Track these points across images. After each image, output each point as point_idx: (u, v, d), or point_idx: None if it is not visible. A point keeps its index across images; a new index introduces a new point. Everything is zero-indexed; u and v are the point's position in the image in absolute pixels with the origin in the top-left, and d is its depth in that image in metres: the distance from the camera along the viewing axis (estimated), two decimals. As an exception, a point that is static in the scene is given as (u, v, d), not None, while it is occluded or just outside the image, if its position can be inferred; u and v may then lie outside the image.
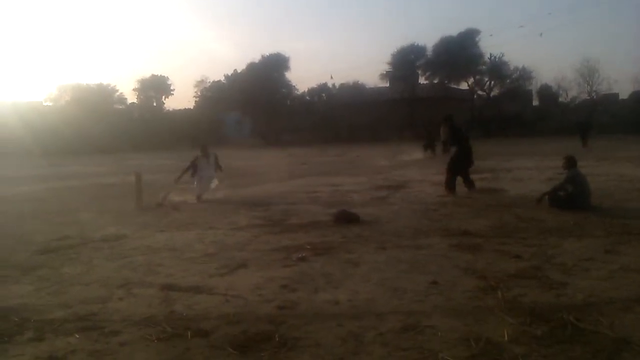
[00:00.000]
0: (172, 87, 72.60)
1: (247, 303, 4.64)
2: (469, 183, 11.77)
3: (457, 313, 4.22)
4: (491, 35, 77.02)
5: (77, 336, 3.99)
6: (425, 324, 3.99)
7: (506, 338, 3.66)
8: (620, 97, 58.88)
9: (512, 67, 57.50)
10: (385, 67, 59.90)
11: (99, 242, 7.69)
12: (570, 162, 9.20)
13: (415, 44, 58.59)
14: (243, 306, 4.56)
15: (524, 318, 4.00)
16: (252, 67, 64.06)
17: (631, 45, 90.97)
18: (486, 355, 3.42)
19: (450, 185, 11.68)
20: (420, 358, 3.42)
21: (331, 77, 65.11)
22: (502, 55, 56.87)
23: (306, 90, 67.54)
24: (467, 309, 4.31)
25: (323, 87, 66.92)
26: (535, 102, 62.81)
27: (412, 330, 3.87)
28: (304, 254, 6.30)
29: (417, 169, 18.54)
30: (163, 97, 72.44)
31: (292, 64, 65.29)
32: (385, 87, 60.33)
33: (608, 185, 11.85)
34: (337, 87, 66.84)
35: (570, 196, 8.83)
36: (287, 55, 64.32)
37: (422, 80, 58.91)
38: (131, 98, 72.18)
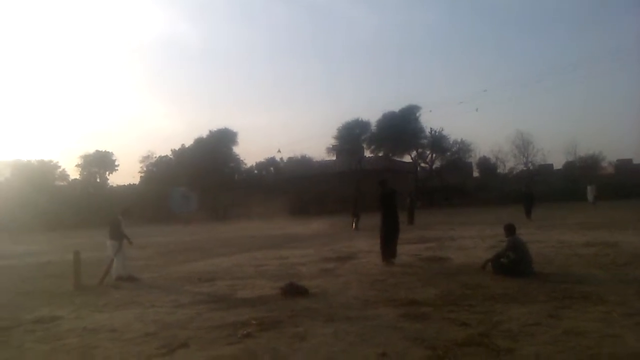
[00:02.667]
0: (116, 163, 71.53)
1: (189, 384, 4.39)
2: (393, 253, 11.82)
3: (406, 385, 4.13)
4: (430, 110, 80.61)
5: None
6: (375, 397, 3.88)
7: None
8: (555, 167, 62.30)
9: (451, 141, 60.17)
10: (331, 141, 61.45)
11: (32, 324, 7.21)
12: (510, 230, 9.51)
13: (360, 119, 60.73)
14: (184, 388, 4.31)
15: (473, 387, 3.96)
16: (199, 142, 64.20)
17: (562, 118, 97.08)
18: None
19: (386, 255, 11.76)
20: None
21: (279, 151, 65.71)
22: (442, 130, 59.56)
23: (254, 164, 68.08)
24: (416, 380, 4.22)
25: (271, 161, 67.66)
26: (476, 173, 65.49)
27: (361, 405, 3.74)
28: (249, 330, 6.09)
29: (365, 240, 18.60)
30: (107, 173, 71.11)
31: (240, 138, 65.90)
32: (332, 160, 61.50)
33: (548, 251, 12.23)
34: (285, 160, 67.75)
35: (513, 262, 9.04)
36: (234, 130, 65.00)
37: (367, 154, 60.50)
38: (74, 174, 70.57)
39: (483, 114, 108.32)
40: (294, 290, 8.31)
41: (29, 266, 15.88)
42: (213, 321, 6.77)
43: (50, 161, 68.90)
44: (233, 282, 10.21)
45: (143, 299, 8.82)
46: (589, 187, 37.11)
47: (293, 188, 57.33)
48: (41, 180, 61.29)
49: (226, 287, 9.55)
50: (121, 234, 11.59)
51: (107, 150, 70.91)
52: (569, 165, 60.98)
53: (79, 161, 69.63)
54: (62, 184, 69.25)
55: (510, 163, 61.69)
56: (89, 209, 56.37)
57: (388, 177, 13.12)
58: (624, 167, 61.15)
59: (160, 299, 8.79)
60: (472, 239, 16.67)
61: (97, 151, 69.97)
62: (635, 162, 62.40)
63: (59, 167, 69.75)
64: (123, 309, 8.03)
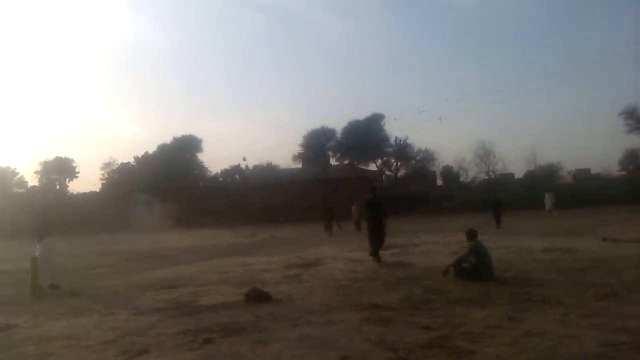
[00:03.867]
0: (77, 170, 69.87)
1: (147, 390, 4.29)
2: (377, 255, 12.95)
3: (368, 387, 4.13)
4: (395, 119, 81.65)
5: None
6: (336, 400, 3.87)
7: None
8: (516, 176, 63.74)
9: (416, 149, 60.77)
10: (297, 149, 61.37)
11: (-16, 333, 6.93)
12: (472, 235, 9.66)
13: (326, 127, 60.78)
14: (142, 394, 4.21)
15: (434, 387, 3.98)
16: (163, 148, 63.24)
17: (523, 127, 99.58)
18: None
19: (375, 254, 12.94)
20: None
21: (244, 159, 65.07)
22: (407, 138, 60.05)
23: (219, 171, 67.35)
24: (378, 382, 4.23)
25: (236, 169, 67.05)
26: (439, 182, 66.45)
27: (323, 408, 3.73)
28: (210, 336, 6.01)
29: (331, 247, 18.64)
30: (67, 179, 69.38)
31: (205, 145, 64.93)
32: (298, 168, 61.45)
33: (509, 256, 12.48)
34: (251, 168, 67.31)
35: (474, 267, 9.19)
36: (199, 137, 64.24)
37: (333, 162, 60.68)
38: (32, 181, 68.59)
39: (446, 123, 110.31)
40: (257, 296, 8.24)
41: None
42: (174, 328, 6.64)
43: (8, 167, 66.97)
44: (196, 289, 10.06)
45: (102, 307, 8.60)
46: (546, 195, 38.06)
47: (258, 196, 57.01)
48: (-1, 186, 59.41)
49: (188, 294, 9.41)
50: (47, 231, 11.26)
51: (68, 157, 69.29)
52: (529, 175, 62.46)
53: (38, 167, 67.89)
54: (20, 190, 67.23)
55: (472, 172, 62.91)
56: (48, 217, 54.79)
57: (376, 185, 14.48)
58: (582, 176, 62.98)
59: (119, 306, 8.58)
60: (436, 244, 16.90)
61: (57, 157, 68.27)
62: (593, 171, 64.39)
63: (17, 173, 67.86)
64: (81, 317, 7.81)
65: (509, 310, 6.61)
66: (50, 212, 11.78)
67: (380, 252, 13.04)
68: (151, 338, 6.16)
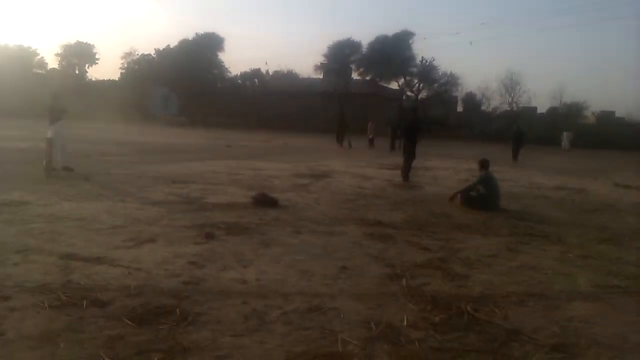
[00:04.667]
0: (97, 56, 69.12)
1: (151, 277, 4.49)
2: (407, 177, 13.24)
3: (362, 297, 4.28)
4: (425, 38, 78.71)
5: (-38, 299, 3.70)
6: (330, 306, 4.03)
7: (405, 323, 3.76)
8: (539, 111, 62.41)
9: (441, 72, 59.24)
10: (320, 59, 60.02)
11: (0, 206, 7.18)
12: (484, 165, 9.62)
13: (351, 39, 59.03)
14: (146, 279, 4.40)
15: (425, 305, 4.13)
16: (184, 43, 61.95)
17: (554, 62, 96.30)
18: (384, 338, 3.49)
19: (405, 174, 13.20)
20: (321, 337, 3.44)
21: (266, 63, 64.06)
22: (433, 60, 58.35)
23: (238, 73, 66.39)
24: (372, 294, 4.39)
25: (256, 73, 65.95)
26: (460, 109, 65.28)
27: (316, 311, 3.90)
28: (212, 231, 6.20)
29: (341, 160, 18.73)
30: (87, 65, 68.83)
31: (227, 46, 63.77)
32: (319, 78, 60.38)
33: (518, 190, 12.50)
34: (271, 74, 66.23)
35: (481, 196, 9.23)
36: (221, 36, 62.77)
37: (355, 76, 59.49)
38: (52, 63, 68.18)
39: (476, 48, 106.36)
40: (264, 200, 8.39)
41: (2, 150, 15.68)
42: (182, 221, 6.84)
43: (29, 47, 66.29)
44: (205, 187, 10.25)
45: (114, 193, 8.84)
46: (564, 133, 37.38)
47: (276, 103, 56.56)
48: (19, 66, 59.07)
49: (198, 191, 9.60)
50: (57, 116, 11.19)
51: (88, 42, 68.35)
52: (552, 111, 61.09)
53: (59, 50, 67.18)
54: (40, 71, 66.99)
55: (495, 102, 61.59)
56: (66, 100, 55.01)
57: (418, 106, 14.58)
58: (605, 118, 61.48)
59: (130, 195, 8.81)
60: (447, 170, 16.93)
61: (78, 42, 67.32)
62: (617, 114, 62.79)
63: (38, 54, 67.27)
64: (92, 201, 8.04)
65: (508, 242, 6.70)
66: (61, 97, 11.64)
67: (390, 173, 13.11)
68: (159, 228, 6.36)
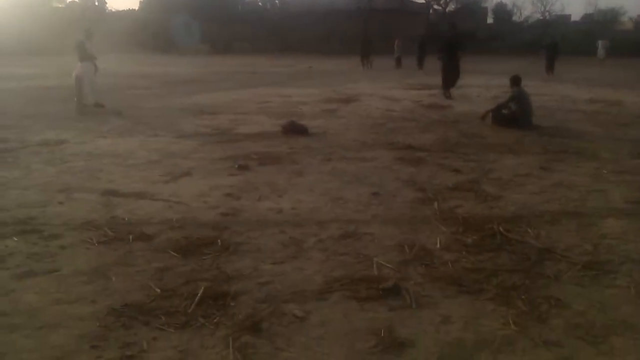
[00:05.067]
0: (116, -14, 67.83)
1: (191, 209, 4.66)
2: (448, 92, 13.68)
3: (394, 222, 4.38)
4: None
5: (16, 239, 3.92)
6: (364, 231, 4.14)
7: (438, 245, 3.85)
8: (572, 19, 59.52)
9: (469, -17, 56.51)
10: (342, -26, 57.50)
11: (38, 146, 7.41)
12: (516, 81, 9.37)
13: (374, -50, 56.13)
14: (186, 212, 4.57)
15: (457, 227, 4.20)
16: (203, -33, 60.14)
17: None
18: (418, 260, 3.60)
19: (446, 85, 13.72)
20: (356, 262, 3.57)
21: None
22: (461, -30, 55.64)
23: (259, -6, 64.54)
24: (404, 219, 4.48)
25: (277, -7, 64.08)
26: (490, 20, 62.65)
27: (351, 237, 4.01)
28: (245, 162, 6.31)
29: (368, 83, 18.47)
30: (106, -5, 67.76)
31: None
32: (341, -5, 58.25)
33: (551, 105, 12.22)
34: (292, -7, 64.08)
35: (513, 114, 9.07)
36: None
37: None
38: (72, -4, 67.11)
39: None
40: (294, 129, 8.43)
41: (31, 89, 15.90)
42: (215, 153, 6.97)
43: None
44: (235, 117, 10.31)
45: (145, 128, 8.99)
46: (600, 42, 35.57)
47: (298, 24, 55.12)
48: (38, 0, 58.50)
49: (228, 122, 9.68)
50: (89, 55, 11.10)
51: (106, -28, 66.91)
52: (587, 18, 58.22)
53: (78, -18, 66.02)
54: (59, 5, 66.28)
55: (527, 11, 58.93)
56: (97, 37, 54.45)
57: (456, 22, 14.92)
58: (644, 23, 58.28)
59: (162, 128, 8.95)
60: (477, 87, 16.54)
61: (95, -29, 66.02)
62: (659, 18, 59.36)
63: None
64: (126, 136, 8.21)
65: (541, 160, 6.65)
66: (93, 34, 11.50)
67: (418, 93, 12.95)
68: (193, 161, 6.51)
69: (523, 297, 3.05)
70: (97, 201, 4.87)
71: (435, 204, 4.80)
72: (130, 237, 3.96)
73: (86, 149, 7.26)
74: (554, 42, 24.21)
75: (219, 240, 3.90)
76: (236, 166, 6.15)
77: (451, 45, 13.80)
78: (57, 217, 4.43)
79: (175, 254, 3.66)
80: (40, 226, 4.21)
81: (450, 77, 13.66)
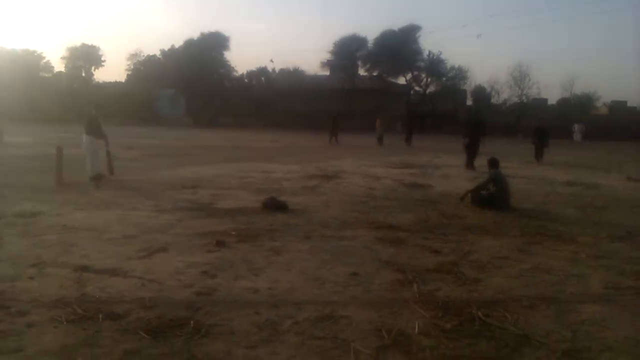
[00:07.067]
0: (103, 58, 69.39)
1: (165, 288, 4.54)
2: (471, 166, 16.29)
3: (373, 304, 4.31)
4: (432, 31, 78.26)
5: (-20, 315, 3.77)
6: (341, 314, 4.06)
7: (417, 330, 3.78)
8: (549, 102, 62.00)
9: (448, 66, 58.91)
10: (326, 56, 59.83)
11: (13, 217, 7.28)
12: (493, 164, 9.59)
13: (357, 34, 58.77)
14: (159, 291, 4.46)
15: (436, 312, 4.14)
16: (190, 43, 61.93)
17: (564, 53, 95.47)
18: (396, 346, 3.51)
19: (469, 164, 16.40)
20: (333, 347, 3.47)
21: (271, 61, 63.94)
22: (440, 54, 58.03)
23: (245, 72, 66.40)
24: (383, 301, 4.41)
25: (262, 71, 65.94)
26: (469, 102, 64.95)
27: (328, 320, 3.92)
28: (222, 239, 6.24)
29: (351, 160, 18.74)
30: (93, 67, 69.08)
31: (232, 44, 63.80)
32: (325, 75, 60.21)
33: (529, 187, 12.44)
34: (277, 71, 66.20)
35: (492, 196, 9.21)
36: (227, 35, 62.70)
37: (361, 72, 59.25)
38: (58, 67, 68.55)
39: (485, 41, 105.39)
40: (274, 205, 8.43)
41: (13, 158, 15.84)
42: (193, 229, 6.90)
43: (35, 51, 66.71)
44: (216, 191, 10.31)
45: (125, 201, 8.91)
46: (576, 126, 36.95)
47: (283, 100, 56.48)
48: (25, 70, 59.37)
49: (208, 196, 9.66)
50: (99, 131, 11.45)
51: (94, 45, 68.67)
52: (563, 102, 60.71)
53: (65, 53, 67.52)
54: (46, 75, 67.42)
55: (504, 94, 61.24)
56: (73, 104, 55.14)
57: (478, 108, 17.23)
58: (618, 108, 60.98)
59: (142, 202, 8.88)
60: (456, 167, 16.86)
61: (83, 44, 67.67)
62: (629, 104, 62.21)
63: (44, 58, 67.65)
64: (104, 210, 8.12)
65: (520, 243, 6.69)
66: (103, 107, 11.94)
67: (400, 172, 13.22)
68: (170, 237, 6.42)
69: (503, 388, 2.96)
70: (68, 277, 4.74)
71: (415, 287, 4.75)
72: (100, 316, 3.83)
73: (62, 221, 7.14)
74: (543, 127, 21.94)
75: (191, 322, 3.79)
76: (214, 242, 6.08)
77: (474, 127, 16.64)
78: (26, 293, 4.29)
79: (145, 335, 3.54)
80: (8, 302, 4.07)
81: (471, 156, 16.27)
